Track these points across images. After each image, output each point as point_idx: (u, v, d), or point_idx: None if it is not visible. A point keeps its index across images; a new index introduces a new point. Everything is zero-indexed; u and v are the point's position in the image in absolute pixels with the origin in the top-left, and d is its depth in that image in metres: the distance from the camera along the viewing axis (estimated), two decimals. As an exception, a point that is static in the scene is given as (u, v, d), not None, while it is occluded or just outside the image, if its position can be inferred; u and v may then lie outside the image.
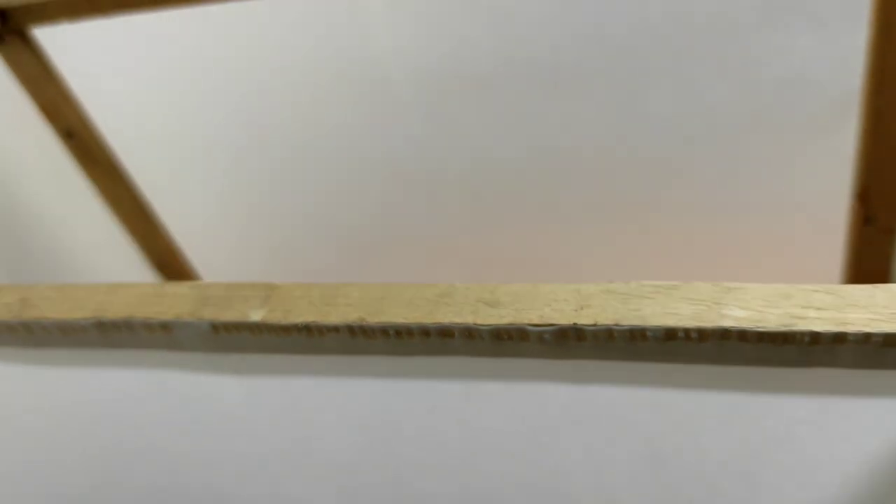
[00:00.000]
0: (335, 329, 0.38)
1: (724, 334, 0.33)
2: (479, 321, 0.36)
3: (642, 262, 0.85)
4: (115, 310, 0.42)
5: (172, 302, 0.41)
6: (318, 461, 0.48)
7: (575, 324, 0.35)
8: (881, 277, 0.72)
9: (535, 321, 0.36)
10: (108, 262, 0.92)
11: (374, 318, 0.38)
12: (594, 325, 0.35)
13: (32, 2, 0.73)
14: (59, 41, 0.76)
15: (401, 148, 0.77)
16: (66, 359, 0.45)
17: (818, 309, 0.33)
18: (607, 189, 0.78)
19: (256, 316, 0.39)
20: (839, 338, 0.32)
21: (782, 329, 0.33)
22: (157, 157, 0.85)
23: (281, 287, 0.40)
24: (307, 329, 0.39)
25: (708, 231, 0.81)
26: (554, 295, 0.36)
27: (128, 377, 0.46)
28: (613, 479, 0.43)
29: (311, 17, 0.70)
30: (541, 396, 0.39)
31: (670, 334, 0.34)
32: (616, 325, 0.34)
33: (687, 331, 0.34)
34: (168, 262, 0.94)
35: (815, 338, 0.32)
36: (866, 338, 0.32)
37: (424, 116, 0.74)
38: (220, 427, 0.47)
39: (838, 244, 0.77)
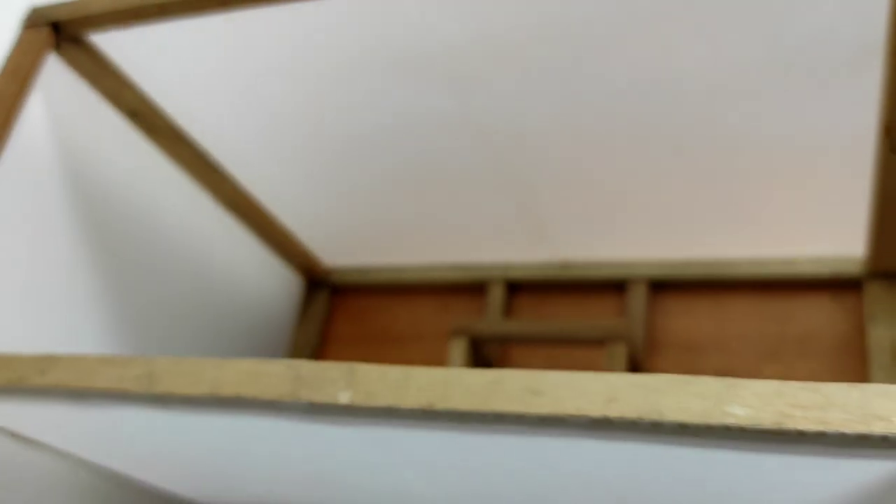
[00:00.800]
0: (410, 411, 0.47)
1: (726, 428, 0.41)
2: (526, 409, 0.44)
3: (690, 195, 0.91)
4: (227, 387, 0.51)
5: (272, 381, 0.50)
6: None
7: (605, 416, 0.43)
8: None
9: (573, 412, 0.44)
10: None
11: (440, 403, 0.46)
12: (621, 417, 0.43)
13: (84, 13, 0.78)
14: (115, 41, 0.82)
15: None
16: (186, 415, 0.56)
17: (804, 408, 0.40)
18: (649, 131, 0.83)
19: (344, 399, 0.48)
20: (820, 434, 0.39)
21: (774, 427, 0.40)
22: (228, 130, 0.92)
23: (360, 369, 0.49)
24: (388, 409, 0.47)
25: (747, 167, 0.86)
26: (588, 386, 0.44)
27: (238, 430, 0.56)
28: None
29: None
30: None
31: (682, 427, 0.42)
32: (639, 418, 0.42)
33: (696, 426, 0.41)
34: (240, 204, 1.03)
35: (800, 433, 0.40)
36: (842, 435, 0.39)
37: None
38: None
39: (867, 174, 0.82)
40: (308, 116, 0.88)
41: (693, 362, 0.99)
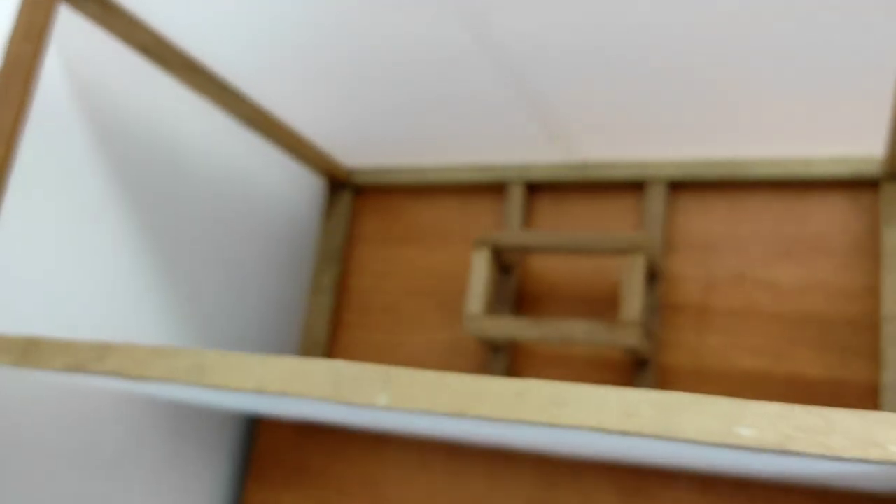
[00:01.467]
0: (443, 414, 0.51)
1: (734, 447, 0.45)
2: (550, 420, 0.48)
3: (708, 95, 0.91)
4: (273, 385, 0.55)
5: (315, 381, 0.54)
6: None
7: (623, 430, 0.47)
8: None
9: (593, 424, 0.47)
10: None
11: (471, 410, 0.50)
12: (637, 432, 0.46)
13: None
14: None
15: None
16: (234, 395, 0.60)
17: (807, 431, 0.44)
18: (669, 37, 0.82)
19: (382, 401, 0.52)
20: (820, 455, 0.43)
21: (777, 448, 0.44)
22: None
23: (395, 374, 0.52)
24: (423, 411, 0.51)
25: (767, 68, 0.86)
26: (608, 400, 0.47)
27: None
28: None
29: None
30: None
31: (695, 444, 0.45)
32: (654, 434, 0.46)
33: (707, 443, 0.45)
34: (259, 120, 1.04)
35: (802, 453, 0.44)
36: (841, 457, 0.43)
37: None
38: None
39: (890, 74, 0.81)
40: (326, 38, 0.87)
41: (709, 262, 1.02)
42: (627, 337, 0.91)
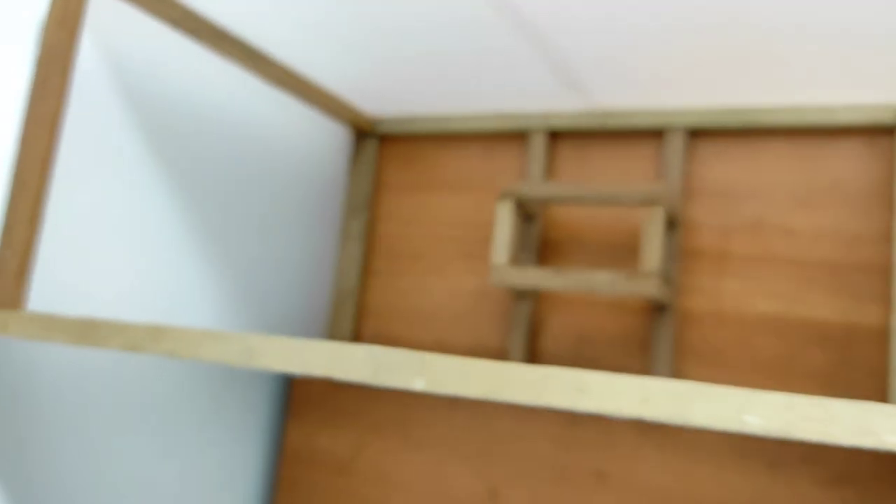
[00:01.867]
0: (473, 399, 0.56)
1: (741, 433, 0.49)
2: (572, 405, 0.53)
3: (727, 43, 0.92)
4: (317, 368, 0.60)
5: (356, 365, 0.59)
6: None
7: (639, 415, 0.51)
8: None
9: (611, 410, 0.52)
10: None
11: (499, 394, 0.55)
12: (653, 417, 0.51)
13: None
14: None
15: None
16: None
17: (809, 420, 0.48)
18: None
19: (419, 385, 0.57)
20: (820, 442, 0.47)
21: (781, 434, 0.48)
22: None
23: (429, 359, 0.57)
24: (455, 394, 0.56)
25: (787, 15, 0.86)
26: (626, 388, 0.52)
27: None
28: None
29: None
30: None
31: (705, 429, 0.50)
32: (668, 419, 0.50)
33: (717, 429, 0.49)
34: (286, 80, 1.06)
35: (802, 441, 0.48)
36: (838, 444, 0.47)
37: None
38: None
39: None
40: (345, 9, 0.88)
41: (728, 209, 1.05)
42: (647, 287, 0.95)
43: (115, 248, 0.89)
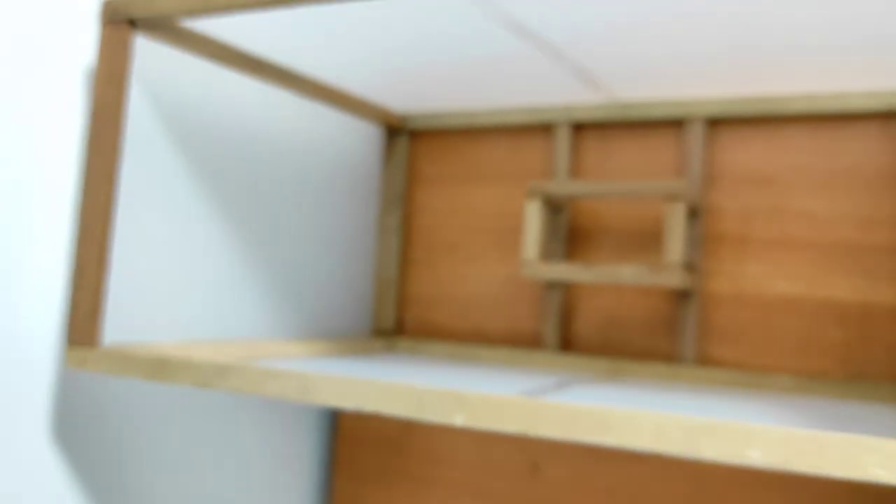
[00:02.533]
0: (509, 435, 0.63)
1: (745, 464, 0.55)
2: (598, 440, 0.60)
3: (744, 34, 0.95)
4: (369, 404, 0.67)
5: (402, 401, 0.66)
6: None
7: (654, 448, 0.58)
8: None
9: (631, 444, 0.58)
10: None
11: (532, 430, 0.62)
12: (666, 450, 0.57)
13: (158, 12, 0.83)
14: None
15: None
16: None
17: (804, 454, 0.54)
18: None
19: (459, 421, 0.64)
20: (817, 476, 0.54)
21: (780, 467, 0.54)
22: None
23: (468, 397, 0.64)
24: (491, 429, 0.63)
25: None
26: (644, 423, 0.58)
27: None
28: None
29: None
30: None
31: (712, 462, 0.56)
32: (679, 452, 0.57)
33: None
34: (319, 91, 1.12)
35: (798, 474, 0.54)
36: (830, 475, 0.53)
37: None
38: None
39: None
40: (378, 19, 0.93)
41: (747, 195, 1.09)
42: (670, 279, 1.01)
43: (177, 275, 0.97)
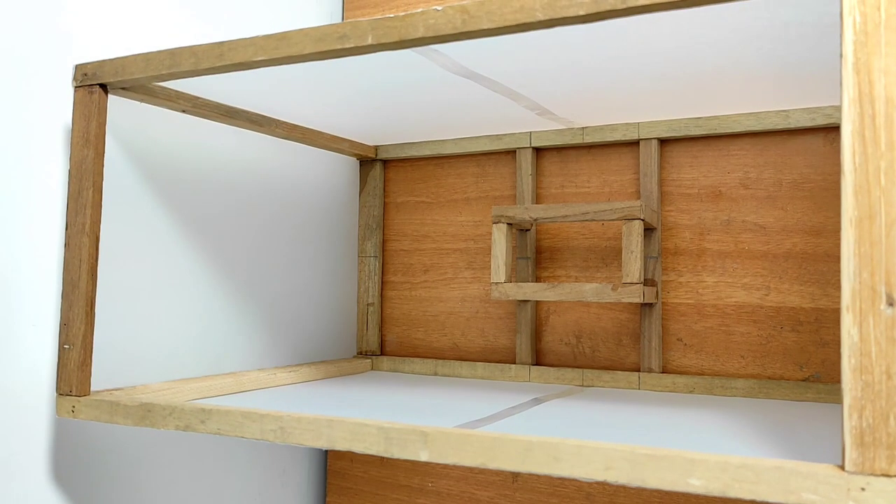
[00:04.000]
0: (471, 468, 0.64)
1: (686, 494, 0.57)
2: (550, 471, 0.61)
3: (689, 67, 0.95)
4: (340, 442, 0.69)
5: (371, 440, 0.67)
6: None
7: (604, 479, 0.59)
8: None
9: (580, 475, 0.60)
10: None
11: (491, 463, 0.63)
12: (615, 481, 0.59)
13: (128, 76, 0.84)
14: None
15: None
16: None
17: (741, 482, 0.55)
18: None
19: (424, 456, 0.65)
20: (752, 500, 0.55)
21: (720, 494, 0.56)
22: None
23: (430, 433, 0.65)
24: (454, 463, 0.65)
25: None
26: (593, 456, 0.59)
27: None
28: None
29: None
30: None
31: (656, 490, 0.58)
32: (627, 482, 0.58)
33: (666, 491, 0.57)
34: (293, 133, 1.13)
35: (737, 499, 0.56)
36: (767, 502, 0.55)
37: None
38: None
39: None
40: (335, 75, 0.94)
41: (700, 210, 1.10)
42: (630, 296, 1.02)
43: (166, 317, 0.98)
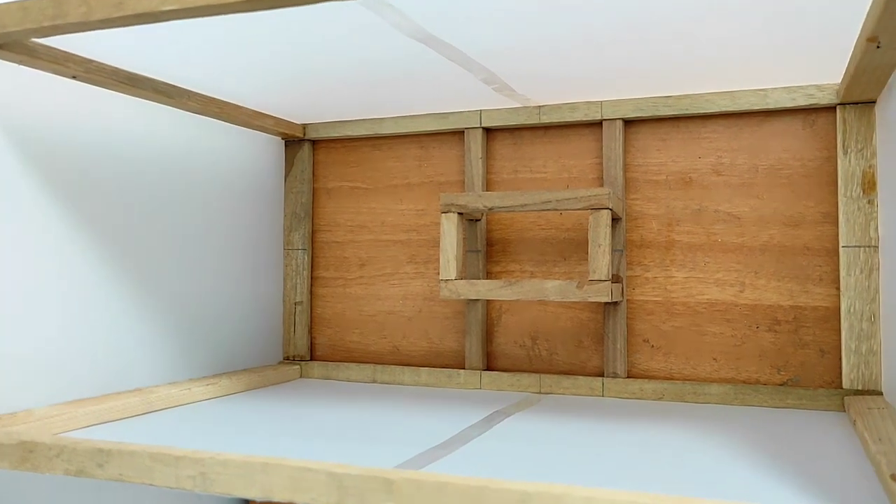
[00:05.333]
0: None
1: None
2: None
3: (659, 40, 0.84)
4: (278, 492, 0.54)
5: (319, 489, 0.53)
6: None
7: (623, 539, 0.47)
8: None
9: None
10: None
11: (476, 519, 0.50)
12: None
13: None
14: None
15: None
16: None
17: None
18: None
19: (388, 509, 0.52)
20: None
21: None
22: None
23: (396, 481, 0.52)
24: None
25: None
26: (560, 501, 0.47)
27: None
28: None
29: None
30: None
31: None
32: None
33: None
34: (209, 108, 0.96)
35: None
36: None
37: None
38: None
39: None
40: (258, 32, 0.79)
41: (669, 198, 1.00)
42: (598, 295, 0.90)
43: (49, 326, 0.80)
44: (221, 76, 0.88)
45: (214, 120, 1.03)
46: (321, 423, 0.82)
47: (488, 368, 1.07)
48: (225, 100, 0.99)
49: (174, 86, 0.90)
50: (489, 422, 0.83)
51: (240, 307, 1.09)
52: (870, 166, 0.90)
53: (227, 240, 1.06)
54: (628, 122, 1.02)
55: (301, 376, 1.14)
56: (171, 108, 0.96)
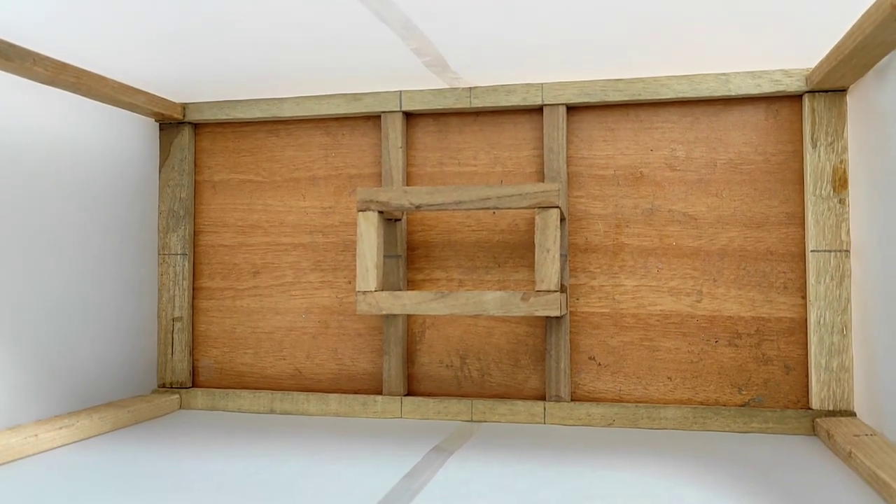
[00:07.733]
0: None
1: None
2: None
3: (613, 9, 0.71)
4: None
5: None
6: None
7: None
8: None
9: None
10: None
11: None
12: None
13: None
14: None
15: None
16: None
17: None
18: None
19: None
20: None
21: None
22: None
23: None
24: None
25: None
26: None
27: None
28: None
29: None
30: None
31: None
32: None
33: None
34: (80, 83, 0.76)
35: None
36: None
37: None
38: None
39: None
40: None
41: (618, 196, 0.87)
42: (546, 308, 0.77)
43: None
44: (79, 38, 0.68)
45: (72, 95, 0.83)
46: (200, 476, 0.64)
47: (410, 393, 0.92)
48: (83, 68, 0.78)
49: (18, 46, 0.69)
50: (431, 467, 0.67)
51: (102, 326, 0.88)
52: (841, 161, 0.81)
53: (86, 243, 0.86)
54: (572, 109, 0.88)
55: (181, 407, 0.95)
56: (13, 77, 0.75)
